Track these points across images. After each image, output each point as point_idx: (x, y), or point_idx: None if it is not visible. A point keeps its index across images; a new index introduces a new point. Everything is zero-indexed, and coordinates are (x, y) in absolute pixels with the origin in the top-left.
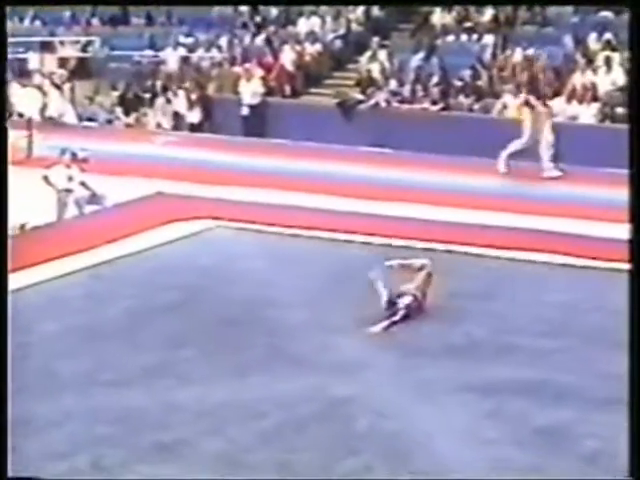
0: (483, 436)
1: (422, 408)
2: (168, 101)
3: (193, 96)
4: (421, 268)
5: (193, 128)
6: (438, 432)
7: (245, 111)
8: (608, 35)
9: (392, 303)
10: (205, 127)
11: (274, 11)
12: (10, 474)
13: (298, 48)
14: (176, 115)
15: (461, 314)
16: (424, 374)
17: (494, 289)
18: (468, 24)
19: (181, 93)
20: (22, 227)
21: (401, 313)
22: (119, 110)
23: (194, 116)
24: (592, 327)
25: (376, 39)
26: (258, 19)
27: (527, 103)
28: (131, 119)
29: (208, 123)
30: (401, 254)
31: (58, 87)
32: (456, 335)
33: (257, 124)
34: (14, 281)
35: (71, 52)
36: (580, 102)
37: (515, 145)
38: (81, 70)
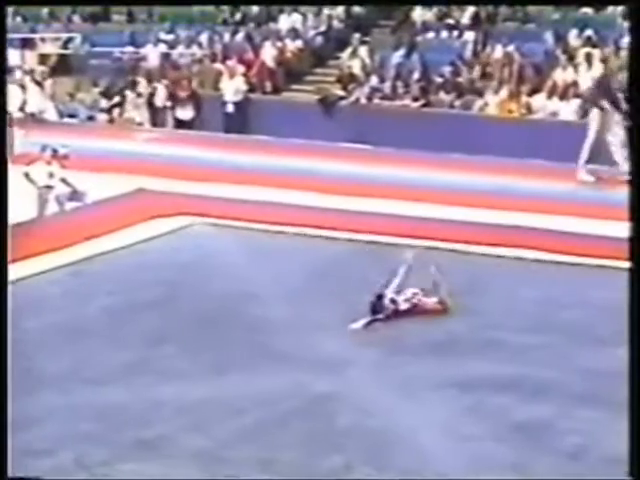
0: (464, 432)
1: (403, 405)
2: (139, 95)
3: (183, 93)
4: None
5: (184, 125)
6: (419, 428)
7: (230, 108)
8: (589, 32)
9: (380, 297)
10: (196, 124)
11: (255, 8)
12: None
13: (279, 44)
14: (156, 111)
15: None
16: (405, 371)
17: (475, 285)
18: (449, 21)
19: (161, 89)
20: None
21: (386, 313)
22: (104, 102)
23: (186, 114)
24: (573, 323)
25: (357, 35)
26: (239, 16)
27: (595, 104)
28: (115, 115)
29: (199, 120)
30: (382, 250)
31: (39, 83)
32: (437, 331)
33: (238, 121)
34: None
35: (52, 49)
36: (561, 98)
37: (586, 150)
38: (62, 67)
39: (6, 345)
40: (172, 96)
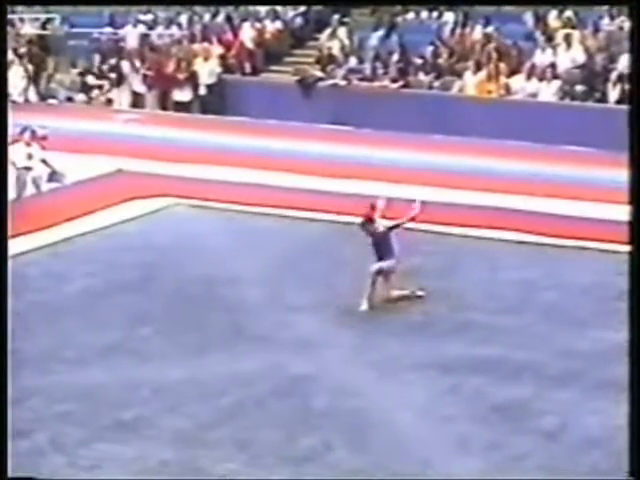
0: (442, 413)
1: (382, 385)
2: (120, 77)
3: (181, 75)
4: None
5: (182, 107)
6: (397, 409)
7: (203, 90)
8: (568, 13)
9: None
10: (194, 106)
11: None
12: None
13: (258, 26)
14: (135, 93)
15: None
16: (383, 352)
17: (452, 267)
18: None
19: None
20: None
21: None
22: (82, 83)
23: (184, 95)
24: (550, 304)
25: (336, 17)
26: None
27: None
28: (94, 96)
29: (198, 102)
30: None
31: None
32: (415, 313)
33: (215, 102)
34: None
35: (31, 29)
36: (540, 80)
37: None
38: (41, 48)
39: (6, 346)
40: (151, 77)
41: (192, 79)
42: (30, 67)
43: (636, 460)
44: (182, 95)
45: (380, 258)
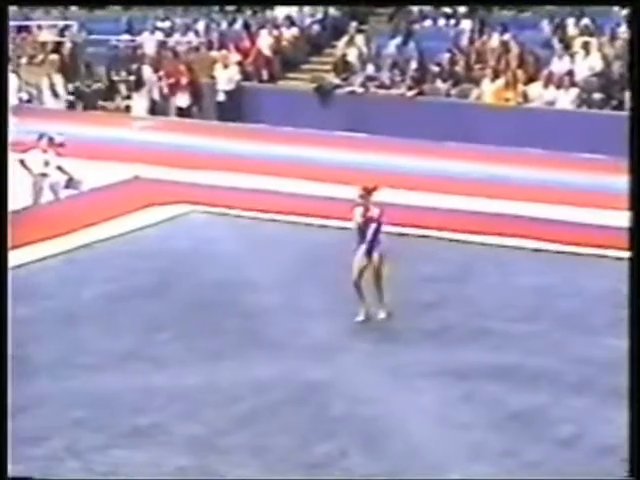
0: (458, 420)
1: (397, 392)
2: (138, 84)
3: (184, 80)
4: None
5: (182, 112)
6: (413, 416)
7: (221, 97)
8: (586, 20)
9: None
10: (193, 111)
11: None
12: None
13: (275, 33)
14: (154, 100)
15: (435, 298)
16: (399, 359)
17: (468, 273)
18: (445, 9)
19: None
20: None
21: None
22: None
23: (183, 100)
24: (566, 312)
25: (354, 24)
26: (235, 4)
27: None
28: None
29: (196, 107)
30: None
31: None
32: (430, 319)
33: (232, 109)
34: None
35: (49, 36)
36: (558, 87)
37: None
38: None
39: (6, 346)
40: (170, 85)
41: (192, 85)
42: (51, 73)
43: (636, 460)
44: (182, 100)
45: (367, 251)
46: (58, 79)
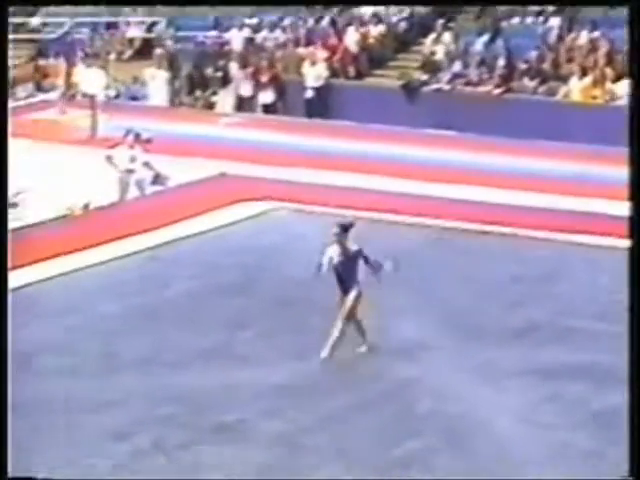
0: (543, 419)
1: (483, 391)
2: (225, 80)
3: (264, 77)
4: None
5: (266, 109)
6: (498, 415)
7: (309, 94)
8: None
9: None
10: (278, 107)
11: None
12: (11, 474)
13: (362, 30)
14: (239, 97)
15: (522, 297)
16: (485, 357)
17: (555, 272)
18: (534, 7)
19: (243, 75)
20: (85, 207)
21: None
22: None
23: (267, 97)
24: None
25: (441, 21)
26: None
27: None
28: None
29: (281, 103)
30: (462, 237)
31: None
32: (517, 318)
33: (320, 106)
34: (76, 261)
35: (137, 32)
36: None
37: None
38: (146, 50)
39: (6, 346)
40: (256, 82)
41: (276, 81)
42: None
43: (636, 460)
44: (265, 97)
45: (344, 290)
46: (162, 74)
